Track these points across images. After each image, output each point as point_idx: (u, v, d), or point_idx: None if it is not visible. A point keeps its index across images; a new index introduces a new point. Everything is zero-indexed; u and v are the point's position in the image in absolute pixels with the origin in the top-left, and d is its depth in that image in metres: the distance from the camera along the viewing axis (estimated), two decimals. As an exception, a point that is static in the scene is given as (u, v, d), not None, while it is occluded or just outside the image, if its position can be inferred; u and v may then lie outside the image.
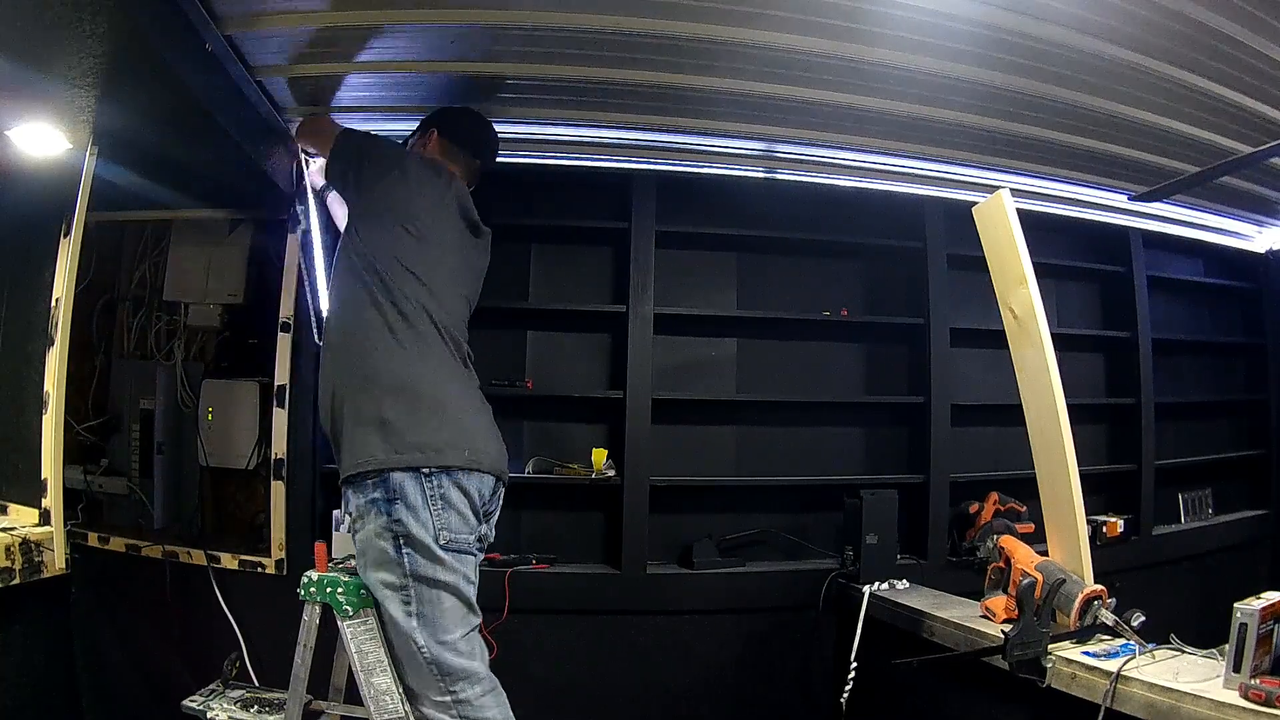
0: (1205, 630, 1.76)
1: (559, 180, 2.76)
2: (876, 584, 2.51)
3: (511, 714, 1.67)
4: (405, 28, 1.85)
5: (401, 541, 1.58)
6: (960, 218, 2.51)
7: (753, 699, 2.71)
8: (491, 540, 1.82)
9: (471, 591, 1.66)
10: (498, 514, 1.81)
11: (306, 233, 2.43)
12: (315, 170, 2.30)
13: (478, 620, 1.69)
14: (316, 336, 2.29)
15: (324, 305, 2.17)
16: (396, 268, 1.71)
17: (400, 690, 1.62)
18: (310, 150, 2.30)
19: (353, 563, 1.72)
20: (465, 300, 1.91)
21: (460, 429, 1.66)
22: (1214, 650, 1.68)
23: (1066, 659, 1.74)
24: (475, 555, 1.69)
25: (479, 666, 1.63)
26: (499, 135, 2.18)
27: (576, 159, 2.68)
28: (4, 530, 1.77)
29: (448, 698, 1.59)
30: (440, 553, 1.59)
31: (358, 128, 2.05)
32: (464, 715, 1.60)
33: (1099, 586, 1.85)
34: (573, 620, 2.63)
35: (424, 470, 1.59)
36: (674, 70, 2.05)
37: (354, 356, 1.70)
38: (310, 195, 2.37)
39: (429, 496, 1.59)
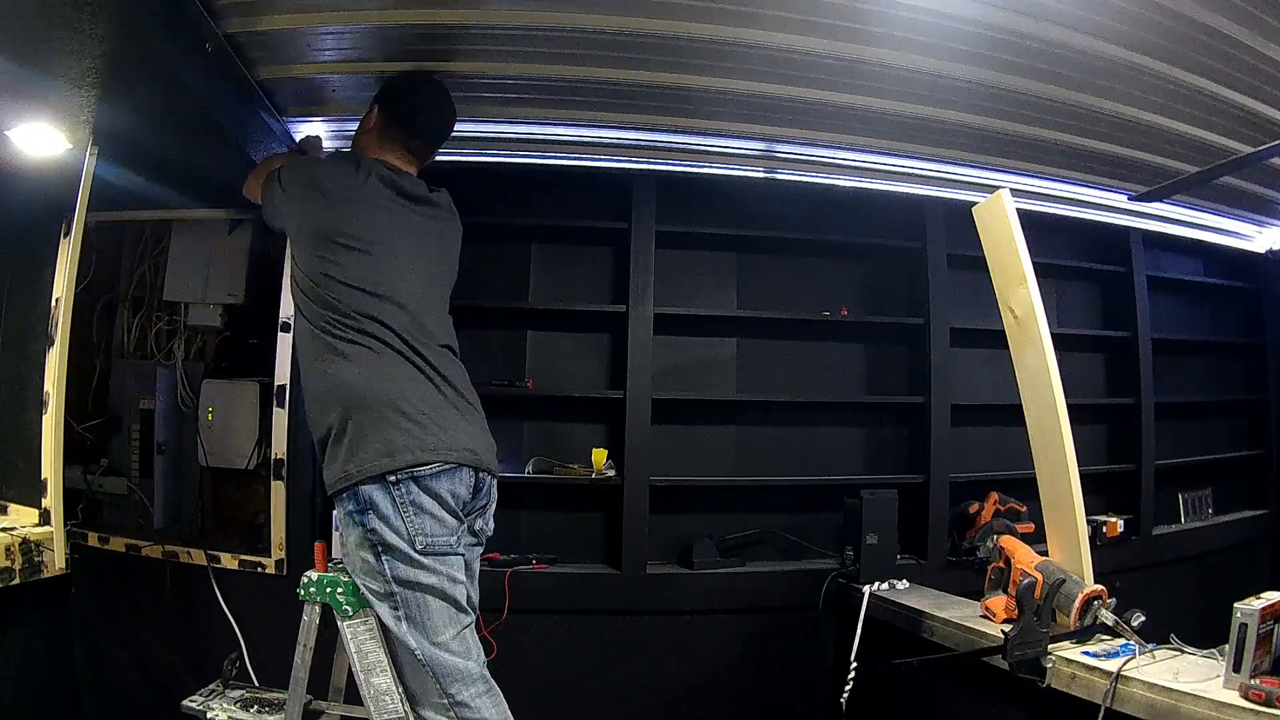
0: (1205, 630, 1.76)
1: (559, 180, 2.76)
2: (876, 584, 2.50)
3: (510, 714, 1.67)
4: (407, 27, 1.85)
5: (380, 550, 1.59)
6: (960, 218, 2.51)
7: (753, 699, 2.71)
8: (490, 533, 1.81)
9: (458, 591, 1.64)
10: (493, 506, 1.80)
11: None
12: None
13: (469, 619, 1.68)
14: None
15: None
16: (335, 285, 1.68)
17: (400, 690, 1.62)
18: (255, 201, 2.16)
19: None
20: (431, 277, 1.84)
21: (423, 430, 1.63)
22: (1214, 650, 1.68)
23: (1066, 659, 1.74)
24: (458, 554, 1.67)
25: (474, 666, 1.63)
26: (456, 113, 2.00)
27: (577, 159, 2.68)
28: (4, 530, 1.77)
29: (445, 700, 1.59)
30: (419, 557, 1.59)
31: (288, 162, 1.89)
32: (462, 718, 1.60)
33: (1099, 586, 1.85)
34: (573, 620, 2.63)
35: (390, 479, 1.58)
36: (674, 70, 2.05)
37: (315, 378, 1.70)
38: None
39: (399, 504, 1.58)
